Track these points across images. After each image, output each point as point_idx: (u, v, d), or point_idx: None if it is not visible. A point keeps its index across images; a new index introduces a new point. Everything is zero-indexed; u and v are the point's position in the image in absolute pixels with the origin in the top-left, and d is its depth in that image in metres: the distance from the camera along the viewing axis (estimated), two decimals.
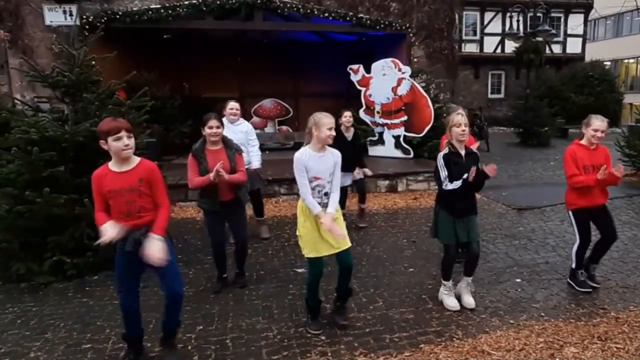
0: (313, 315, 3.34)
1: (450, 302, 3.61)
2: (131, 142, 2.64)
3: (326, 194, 3.15)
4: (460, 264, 3.86)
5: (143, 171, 2.71)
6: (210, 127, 3.70)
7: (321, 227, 3.09)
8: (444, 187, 3.41)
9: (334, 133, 3.11)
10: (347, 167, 5.61)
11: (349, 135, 5.54)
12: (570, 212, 3.86)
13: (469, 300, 3.65)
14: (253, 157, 5.01)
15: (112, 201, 2.65)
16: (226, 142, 3.86)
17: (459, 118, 3.37)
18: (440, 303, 3.68)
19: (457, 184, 3.34)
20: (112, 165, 2.68)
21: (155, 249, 2.59)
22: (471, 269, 3.66)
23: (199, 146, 3.79)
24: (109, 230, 2.54)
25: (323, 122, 3.08)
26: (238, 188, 3.89)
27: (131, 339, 2.91)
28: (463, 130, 3.35)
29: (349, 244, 3.23)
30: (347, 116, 5.47)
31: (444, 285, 3.67)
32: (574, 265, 3.94)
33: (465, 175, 3.29)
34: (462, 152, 3.44)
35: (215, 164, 3.64)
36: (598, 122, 3.63)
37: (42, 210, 4.02)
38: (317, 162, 3.11)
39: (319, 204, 3.12)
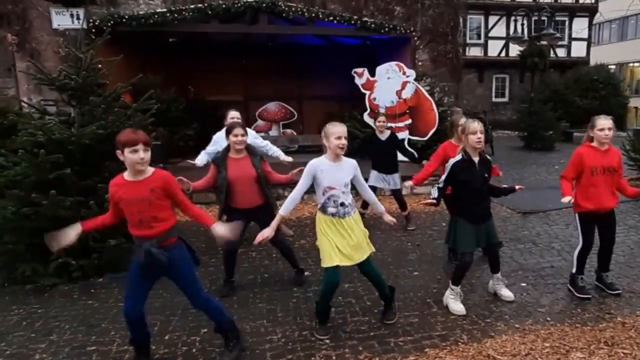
0: (321, 320, 3.32)
1: (457, 307, 3.59)
2: (147, 155, 2.62)
3: (342, 204, 3.10)
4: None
5: (156, 181, 2.68)
6: (235, 135, 3.76)
7: (339, 237, 3.11)
8: (436, 185, 3.58)
9: (343, 142, 3.05)
10: (384, 169, 5.68)
11: (384, 136, 5.62)
12: (576, 215, 3.83)
13: (507, 294, 3.78)
14: (276, 152, 5.07)
15: (125, 210, 2.67)
16: (250, 150, 3.91)
17: (475, 125, 3.37)
18: (445, 307, 3.67)
19: (435, 192, 3.53)
20: (127, 175, 2.68)
21: (221, 231, 2.80)
22: (497, 266, 3.78)
23: (221, 154, 3.86)
24: (64, 236, 2.67)
25: (331, 132, 3.06)
26: (266, 193, 3.91)
27: (136, 344, 2.91)
28: (479, 138, 3.36)
29: (367, 254, 3.23)
30: (380, 120, 5.65)
31: (452, 289, 3.65)
32: (574, 270, 3.90)
33: (436, 195, 3.50)
34: (476, 160, 3.45)
35: (237, 172, 3.75)
36: (602, 121, 3.59)
37: (48, 212, 4.04)
38: (330, 172, 3.09)
39: (335, 213, 3.11)
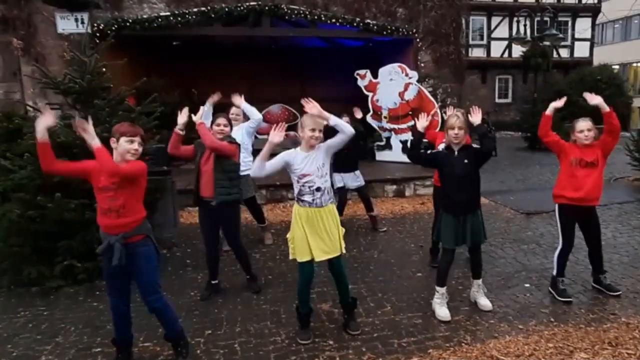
0: (303, 324, 3.30)
1: (442, 312, 3.51)
2: (140, 149, 2.73)
3: (318, 189, 3.08)
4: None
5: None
6: (218, 125, 3.85)
7: (314, 231, 3.08)
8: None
9: (317, 134, 3.06)
10: (344, 168, 5.59)
11: None
12: (556, 207, 3.79)
13: (485, 303, 3.64)
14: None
15: (97, 196, 2.74)
16: (230, 141, 3.97)
17: (453, 121, 3.40)
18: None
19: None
20: None
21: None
22: (478, 271, 3.68)
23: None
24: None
25: (306, 123, 3.08)
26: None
27: (118, 344, 2.92)
28: (456, 134, 3.40)
29: (341, 252, 3.21)
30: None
31: (437, 292, 3.60)
32: (554, 272, 3.87)
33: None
34: (456, 149, 3.46)
35: (210, 160, 3.78)
36: (580, 123, 3.69)
37: (53, 215, 4.08)
38: (304, 162, 3.08)
39: (311, 202, 3.07)
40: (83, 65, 4.58)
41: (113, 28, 7.98)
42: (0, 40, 10.00)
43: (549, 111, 3.74)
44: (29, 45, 9.88)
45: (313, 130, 3.05)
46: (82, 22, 7.94)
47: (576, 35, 20.96)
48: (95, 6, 8.24)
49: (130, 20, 8.41)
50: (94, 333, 3.38)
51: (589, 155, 3.65)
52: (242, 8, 8.80)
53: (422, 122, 3.53)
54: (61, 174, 2.69)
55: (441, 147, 3.64)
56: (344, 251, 3.24)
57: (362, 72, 9.56)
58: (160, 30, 8.55)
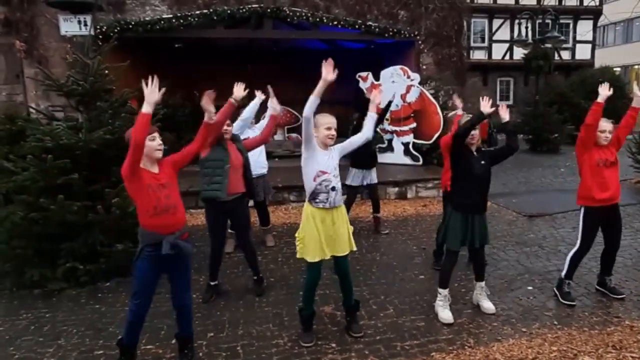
0: (306, 327, 3.29)
1: (444, 315, 3.51)
2: (162, 144, 2.80)
3: (333, 188, 3.09)
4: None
5: (166, 163, 2.87)
6: None
7: (327, 232, 3.09)
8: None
9: (333, 132, 3.10)
10: (364, 164, 5.62)
11: None
12: (582, 210, 3.77)
13: (488, 306, 3.63)
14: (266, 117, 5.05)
15: (151, 196, 2.69)
16: (234, 138, 4.07)
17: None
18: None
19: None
20: (143, 165, 2.74)
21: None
22: (481, 274, 3.67)
23: None
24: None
25: (320, 122, 3.10)
26: (250, 179, 3.97)
27: (128, 346, 2.92)
28: (472, 135, 3.42)
29: (348, 250, 3.22)
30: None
31: (440, 294, 3.59)
32: (563, 274, 3.85)
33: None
34: (473, 148, 3.51)
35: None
36: (603, 123, 3.70)
37: (56, 217, 4.08)
38: (323, 158, 3.10)
39: (325, 201, 3.08)
40: (86, 67, 4.60)
41: (116, 30, 8.00)
42: (4, 42, 10.02)
43: (601, 99, 3.61)
44: (32, 48, 9.91)
45: (329, 128, 3.10)
46: (85, 25, 7.95)
47: (577, 38, 20.95)
48: (98, 8, 8.24)
49: (133, 23, 8.42)
50: (96, 335, 3.38)
51: (611, 154, 3.69)
52: (244, 10, 8.82)
53: (486, 107, 3.33)
54: (141, 147, 2.61)
55: None
56: (354, 248, 3.27)
57: (363, 74, 9.57)
58: (163, 33, 8.57)
